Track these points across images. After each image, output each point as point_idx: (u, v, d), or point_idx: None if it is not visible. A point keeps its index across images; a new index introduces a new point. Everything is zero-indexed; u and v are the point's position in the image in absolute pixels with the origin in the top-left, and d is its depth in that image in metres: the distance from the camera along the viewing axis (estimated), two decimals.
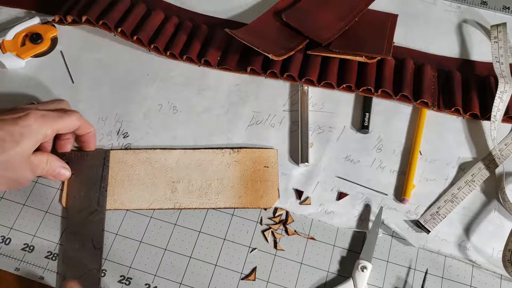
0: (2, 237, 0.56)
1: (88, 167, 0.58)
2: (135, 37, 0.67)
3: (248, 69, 0.65)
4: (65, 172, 0.57)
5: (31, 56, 0.67)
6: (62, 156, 0.58)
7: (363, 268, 0.53)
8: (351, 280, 0.53)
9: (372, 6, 0.72)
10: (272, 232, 0.56)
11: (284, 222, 0.57)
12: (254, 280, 0.54)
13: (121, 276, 0.54)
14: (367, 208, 0.58)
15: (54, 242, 0.56)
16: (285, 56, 0.64)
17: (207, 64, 0.67)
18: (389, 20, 0.69)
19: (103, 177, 0.58)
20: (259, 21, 0.69)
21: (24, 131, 0.51)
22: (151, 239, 0.56)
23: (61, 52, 0.69)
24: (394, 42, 0.67)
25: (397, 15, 0.70)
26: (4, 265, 0.54)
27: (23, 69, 0.67)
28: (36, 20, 0.70)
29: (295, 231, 0.56)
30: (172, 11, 0.72)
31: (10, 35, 0.67)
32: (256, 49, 0.62)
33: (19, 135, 0.50)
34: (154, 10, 0.70)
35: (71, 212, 0.57)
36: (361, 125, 0.63)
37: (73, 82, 0.66)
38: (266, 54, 0.62)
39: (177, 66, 0.67)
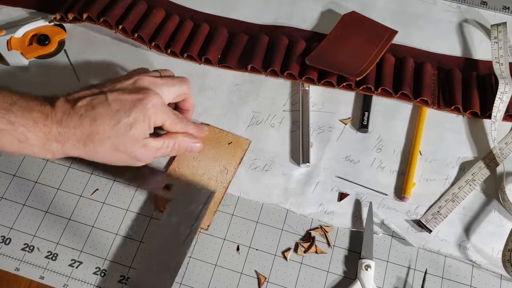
0: (2, 237, 0.56)
1: (189, 200, 0.57)
2: (136, 35, 0.67)
3: (249, 67, 0.65)
4: (198, 146, 0.58)
5: (35, 57, 0.67)
6: (167, 177, 0.58)
7: (367, 267, 0.53)
8: (358, 281, 0.53)
9: (372, 6, 0.72)
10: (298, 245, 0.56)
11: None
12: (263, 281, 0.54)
13: (121, 276, 0.54)
14: (367, 208, 0.58)
15: (54, 242, 0.56)
16: (366, 73, 0.63)
17: (208, 62, 0.67)
18: (387, 35, 0.68)
19: (199, 217, 0.55)
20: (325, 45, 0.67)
21: (138, 117, 0.50)
22: (151, 239, 0.56)
23: (64, 50, 0.68)
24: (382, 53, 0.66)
25: (397, 31, 0.68)
26: (4, 265, 0.54)
27: (25, 68, 0.67)
28: (47, 21, 0.69)
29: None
30: (173, 9, 0.72)
31: (19, 32, 0.67)
32: (340, 73, 0.63)
33: (134, 120, 0.50)
34: (155, 8, 0.70)
35: (156, 237, 0.55)
36: (360, 124, 0.63)
37: (79, 81, 0.66)
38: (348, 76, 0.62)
39: (177, 66, 0.67)
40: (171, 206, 0.56)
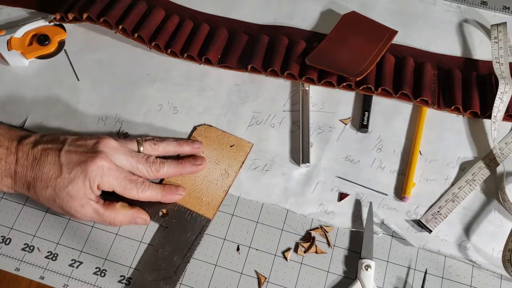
0: (2, 237, 0.56)
1: (185, 228, 0.56)
2: (136, 35, 0.67)
3: (249, 67, 0.65)
4: (141, 222, 0.55)
5: (35, 57, 0.67)
6: (165, 206, 0.57)
7: (367, 267, 0.53)
8: (358, 281, 0.53)
9: (372, 6, 0.72)
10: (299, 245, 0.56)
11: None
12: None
13: (121, 276, 0.54)
14: (367, 208, 0.58)
15: (54, 242, 0.56)
16: (366, 73, 0.63)
17: (208, 62, 0.67)
18: (387, 35, 0.68)
19: (192, 246, 0.55)
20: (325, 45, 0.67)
21: (78, 176, 0.50)
22: (150, 239, 0.56)
23: (64, 50, 0.69)
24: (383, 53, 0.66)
25: (397, 31, 0.68)
26: (4, 265, 0.54)
27: (25, 68, 0.67)
28: (47, 21, 0.69)
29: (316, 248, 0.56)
30: (173, 9, 0.72)
31: (19, 33, 0.67)
32: (340, 73, 0.63)
33: (74, 177, 0.50)
34: (155, 8, 0.70)
35: (145, 268, 0.54)
36: (360, 124, 0.63)
37: (78, 80, 0.66)
38: (349, 76, 0.62)
39: (177, 66, 0.67)
40: (166, 233, 0.56)
